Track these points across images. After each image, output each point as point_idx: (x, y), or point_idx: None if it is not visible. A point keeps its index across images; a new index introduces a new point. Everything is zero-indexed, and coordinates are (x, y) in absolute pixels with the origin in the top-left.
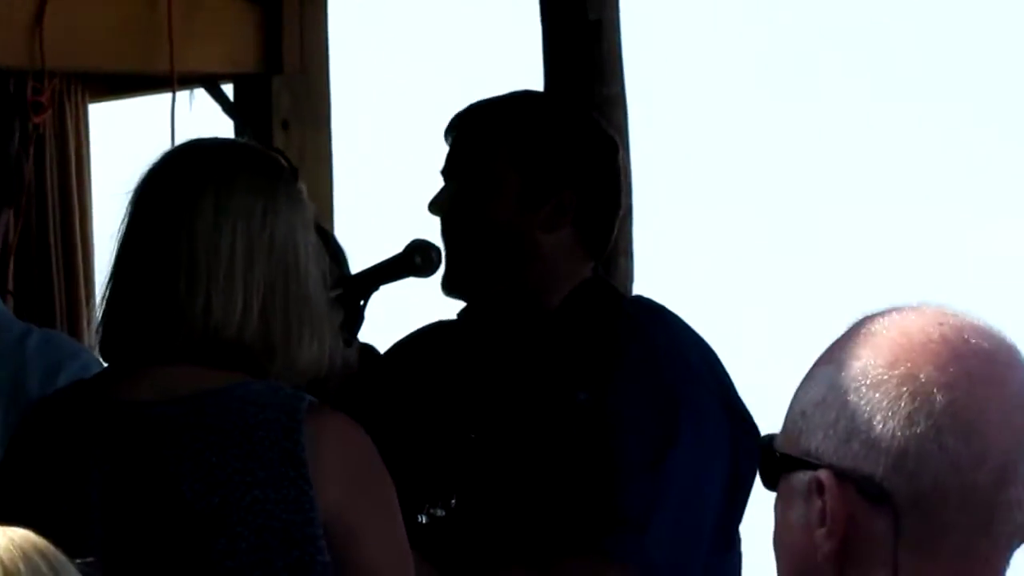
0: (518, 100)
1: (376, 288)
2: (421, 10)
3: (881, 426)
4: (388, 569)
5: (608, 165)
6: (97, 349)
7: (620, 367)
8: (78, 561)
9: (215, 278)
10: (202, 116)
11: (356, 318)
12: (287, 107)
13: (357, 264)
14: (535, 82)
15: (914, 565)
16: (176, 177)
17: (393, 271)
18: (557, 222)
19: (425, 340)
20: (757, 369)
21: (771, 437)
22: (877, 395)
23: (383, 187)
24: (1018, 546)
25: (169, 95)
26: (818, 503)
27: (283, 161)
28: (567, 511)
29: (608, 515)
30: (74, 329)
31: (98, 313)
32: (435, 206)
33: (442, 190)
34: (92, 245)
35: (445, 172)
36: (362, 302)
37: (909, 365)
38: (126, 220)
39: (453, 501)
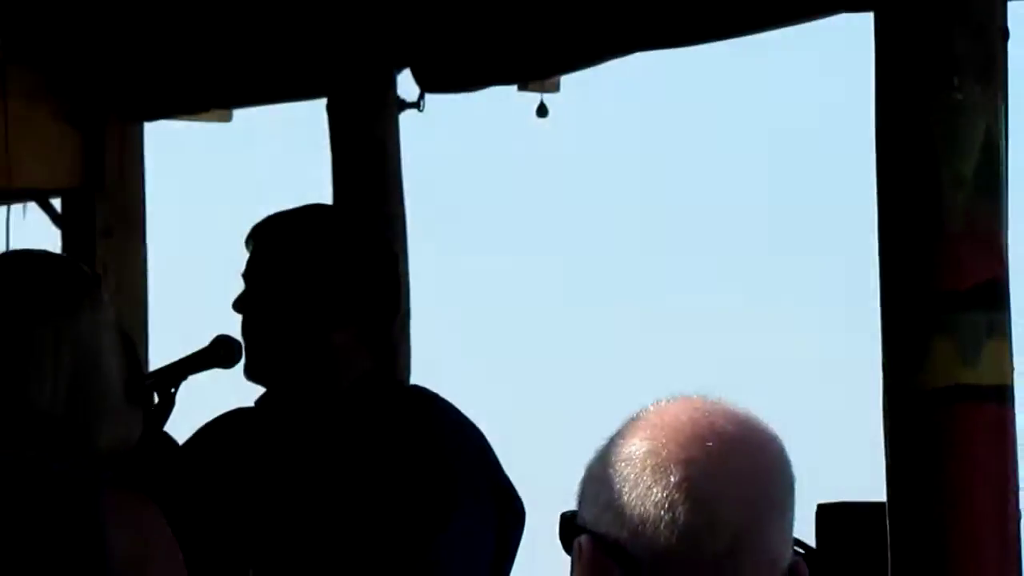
0: (310, 213)
1: (185, 377)
2: (228, 132)
3: (627, 496)
4: None
5: (388, 275)
6: None
7: (399, 449)
8: None
9: (29, 368)
10: (33, 226)
11: (167, 404)
12: (105, 218)
13: (167, 356)
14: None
15: None
16: (7, 288)
17: (200, 362)
18: (342, 323)
19: (224, 425)
20: (526, 451)
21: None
22: (627, 469)
23: (191, 286)
24: None
25: (3, 208)
26: (582, 563)
27: (87, 270)
28: None
29: None
30: None
31: None
32: (237, 304)
33: (243, 291)
34: None
35: (245, 275)
36: (172, 390)
37: (655, 443)
38: None
39: (249, 573)
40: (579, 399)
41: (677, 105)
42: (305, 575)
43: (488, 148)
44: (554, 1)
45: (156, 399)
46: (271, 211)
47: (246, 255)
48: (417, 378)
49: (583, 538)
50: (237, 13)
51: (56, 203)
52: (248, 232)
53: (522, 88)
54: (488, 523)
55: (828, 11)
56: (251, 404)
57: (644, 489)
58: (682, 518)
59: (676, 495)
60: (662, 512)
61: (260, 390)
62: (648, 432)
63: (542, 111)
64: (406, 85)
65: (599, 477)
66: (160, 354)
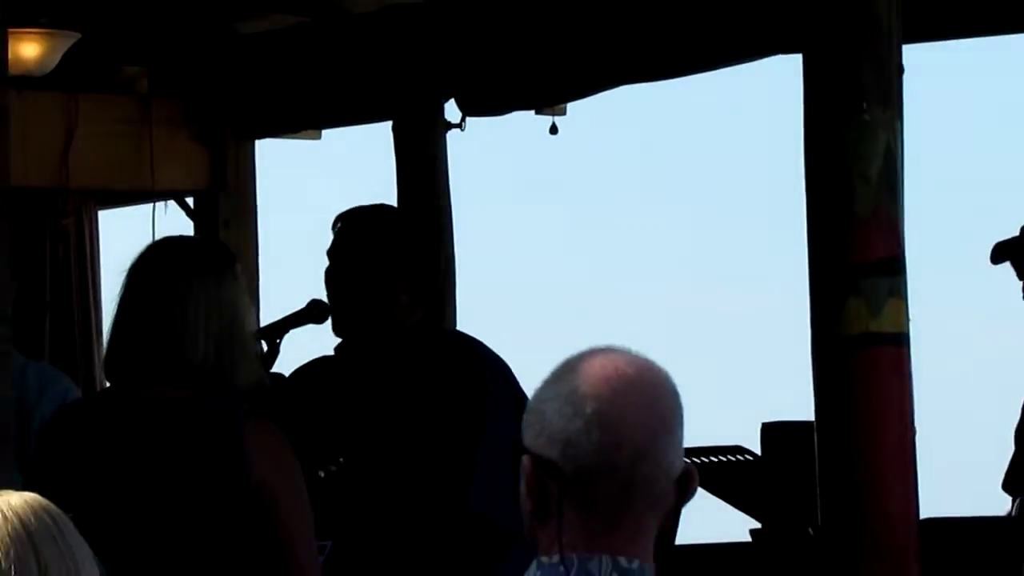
0: (379, 208)
1: (287, 331)
2: (318, 147)
3: (555, 425)
4: (296, 520)
5: (431, 254)
6: (104, 374)
7: (444, 376)
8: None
9: (186, 327)
10: (172, 219)
11: (274, 352)
12: (226, 212)
13: (273, 315)
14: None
15: (576, 516)
16: (157, 261)
17: (298, 320)
18: (402, 287)
19: (317, 365)
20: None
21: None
22: (555, 404)
23: (291, 262)
24: (664, 512)
25: (151, 205)
26: (525, 477)
27: (228, 251)
28: (412, 471)
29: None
30: (89, 364)
31: (104, 352)
32: (329, 274)
33: (330, 264)
34: (101, 308)
35: (330, 252)
36: (278, 340)
37: (574, 384)
38: (122, 290)
39: (340, 460)
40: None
41: (651, 123)
42: (377, 463)
43: (512, 157)
44: (560, 48)
45: (266, 348)
46: (351, 206)
47: (331, 236)
48: (461, 324)
49: (525, 458)
50: (324, 58)
51: (189, 201)
52: (334, 219)
53: (538, 112)
54: (511, 427)
55: (769, 53)
56: (331, 353)
57: (567, 420)
58: (596, 440)
59: (591, 423)
60: (581, 436)
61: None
62: (570, 376)
63: (553, 130)
64: (452, 110)
65: (536, 411)
66: (268, 314)
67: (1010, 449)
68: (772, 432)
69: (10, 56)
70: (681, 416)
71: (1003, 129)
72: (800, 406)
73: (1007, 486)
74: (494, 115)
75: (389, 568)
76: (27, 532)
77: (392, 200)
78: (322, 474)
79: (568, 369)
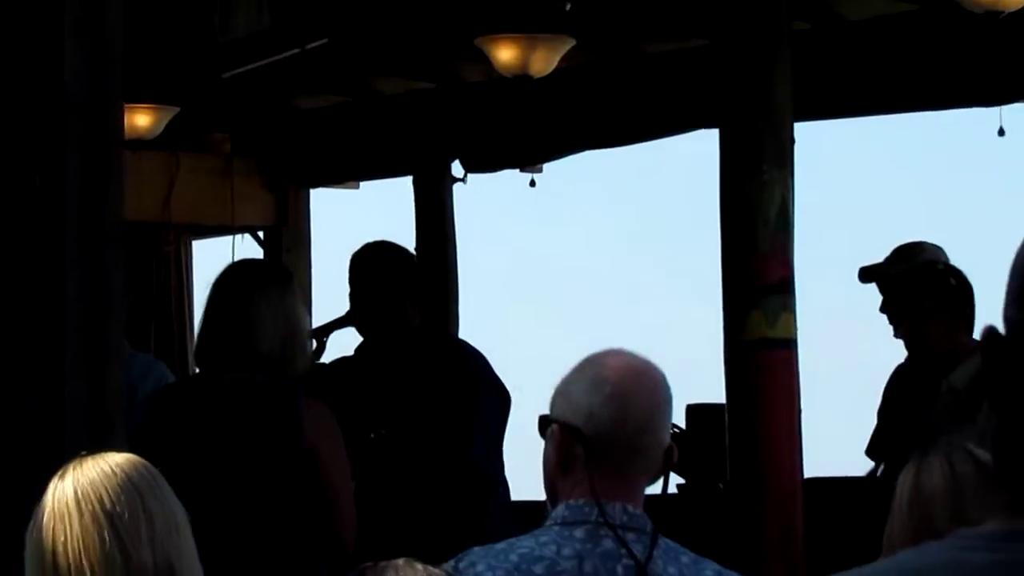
0: (386, 244)
1: (331, 332)
2: (357, 195)
3: (580, 400)
4: (339, 476)
5: (431, 283)
6: (194, 363)
7: (444, 367)
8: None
9: (257, 327)
10: (247, 247)
11: (322, 348)
12: (287, 242)
13: (321, 320)
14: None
15: (598, 473)
16: (235, 278)
17: (339, 324)
18: (409, 301)
19: (346, 360)
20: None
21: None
22: (582, 385)
23: (334, 281)
24: (652, 474)
25: (230, 237)
26: (554, 440)
27: (287, 270)
28: (431, 435)
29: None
30: (183, 356)
31: (194, 346)
32: (351, 297)
33: (352, 289)
34: (193, 314)
35: (351, 280)
36: (325, 338)
37: (597, 372)
38: (208, 299)
39: (383, 430)
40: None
41: (609, 180)
42: (406, 430)
43: (501, 204)
44: (537, 123)
45: (315, 344)
46: (378, 238)
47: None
48: (462, 327)
49: (554, 426)
50: (362, 127)
51: (260, 234)
52: (353, 253)
53: (521, 170)
54: (495, 406)
55: (693, 127)
56: (350, 352)
57: (591, 397)
58: (610, 413)
59: (608, 400)
60: (600, 409)
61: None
62: (593, 366)
63: (532, 183)
64: (457, 168)
65: (564, 391)
66: (317, 319)
67: (873, 424)
68: (694, 412)
69: (126, 125)
70: (671, 403)
71: (872, 181)
72: (715, 393)
73: (869, 452)
74: (489, 172)
75: (417, 501)
76: (132, 483)
77: (412, 233)
78: (373, 436)
79: (591, 362)
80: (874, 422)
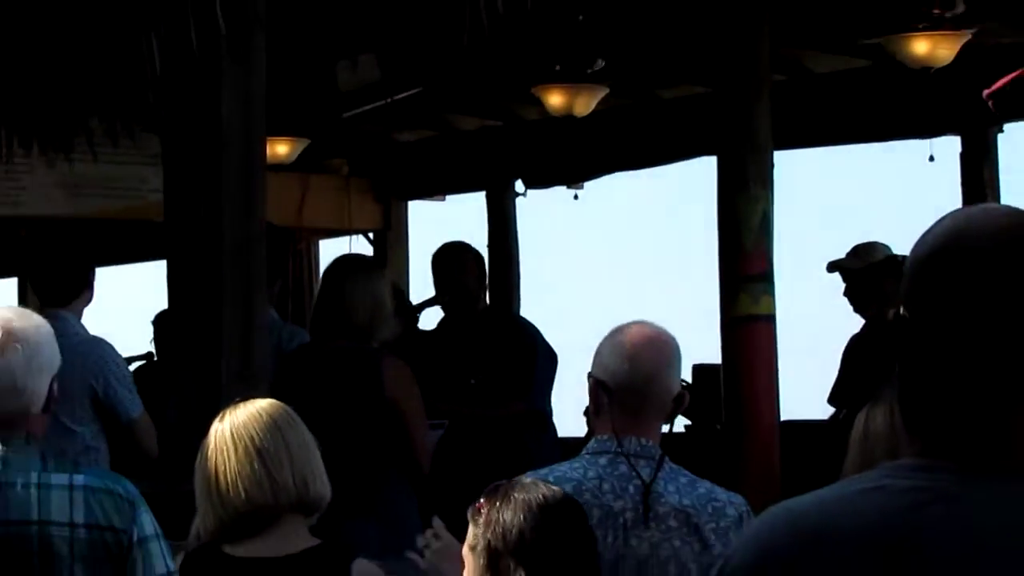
0: (459, 244)
1: (423, 310)
2: (443, 206)
3: (607, 361)
4: (414, 417)
5: (497, 273)
6: (309, 334)
7: (509, 334)
8: None
9: (352, 303)
10: (360, 246)
11: (416, 321)
12: (392, 242)
13: (416, 299)
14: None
15: (620, 418)
16: (339, 266)
17: (429, 303)
18: (480, 288)
19: (431, 331)
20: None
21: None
22: (609, 348)
23: (424, 273)
24: (664, 416)
25: (348, 237)
26: (591, 391)
27: (376, 261)
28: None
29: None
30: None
31: (309, 321)
32: (435, 285)
33: (435, 279)
34: (312, 296)
35: (434, 267)
36: (418, 315)
37: (621, 339)
38: (321, 282)
39: (473, 380)
40: None
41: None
42: (490, 382)
43: (553, 212)
44: (578, 150)
45: (411, 318)
46: (456, 239)
47: (433, 261)
48: (523, 308)
49: (591, 380)
50: (447, 155)
51: (370, 235)
52: (437, 250)
53: (568, 187)
54: (547, 365)
55: (697, 155)
56: (435, 326)
57: (613, 358)
58: (626, 369)
59: (625, 359)
60: (619, 367)
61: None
62: (619, 334)
63: (576, 197)
64: (519, 185)
65: (599, 353)
66: (414, 299)
67: (833, 379)
68: (698, 370)
69: (268, 153)
70: (678, 360)
71: (834, 196)
72: (714, 355)
73: (830, 401)
74: (543, 188)
75: (494, 434)
76: (274, 422)
77: (484, 235)
78: (473, 382)
79: (617, 330)
80: (834, 378)
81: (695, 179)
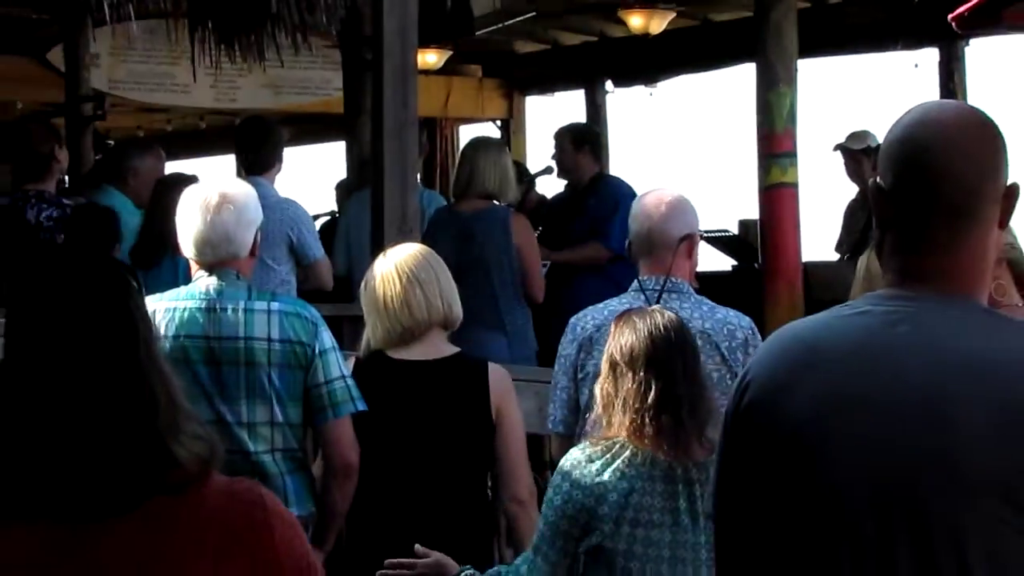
0: (575, 125)
1: (539, 177)
2: (555, 101)
3: (634, 221)
4: (533, 266)
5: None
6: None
7: (605, 191)
8: None
9: (485, 170)
10: (490, 130)
11: (534, 184)
12: (514, 128)
13: (534, 168)
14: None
15: (646, 260)
16: (470, 145)
17: (544, 172)
18: (589, 159)
19: (553, 199)
20: None
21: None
22: (635, 211)
23: (538, 152)
24: (675, 256)
25: (481, 124)
26: (628, 247)
27: (500, 140)
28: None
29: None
30: None
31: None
32: (555, 156)
33: (557, 150)
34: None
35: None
36: (534, 181)
37: (642, 201)
38: (460, 159)
39: (569, 229)
40: None
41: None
42: (583, 228)
43: (634, 106)
44: (655, 58)
45: (530, 184)
46: (568, 123)
47: (552, 141)
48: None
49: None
50: (556, 63)
51: (498, 122)
52: (556, 131)
53: (645, 86)
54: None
55: (743, 61)
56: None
57: (636, 217)
58: (639, 224)
59: (643, 217)
60: (641, 224)
61: None
62: (642, 197)
63: (651, 94)
64: (608, 85)
65: (630, 218)
66: (533, 169)
67: (838, 231)
68: (743, 224)
69: (420, 61)
70: (682, 217)
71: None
72: (754, 213)
73: (836, 249)
74: (626, 87)
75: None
76: (427, 259)
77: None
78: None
79: (642, 194)
80: (838, 231)
81: (740, 80)
